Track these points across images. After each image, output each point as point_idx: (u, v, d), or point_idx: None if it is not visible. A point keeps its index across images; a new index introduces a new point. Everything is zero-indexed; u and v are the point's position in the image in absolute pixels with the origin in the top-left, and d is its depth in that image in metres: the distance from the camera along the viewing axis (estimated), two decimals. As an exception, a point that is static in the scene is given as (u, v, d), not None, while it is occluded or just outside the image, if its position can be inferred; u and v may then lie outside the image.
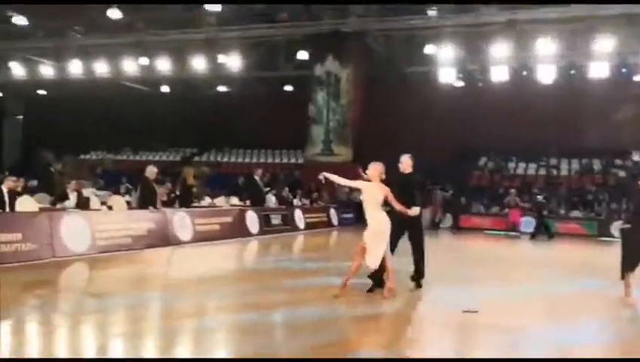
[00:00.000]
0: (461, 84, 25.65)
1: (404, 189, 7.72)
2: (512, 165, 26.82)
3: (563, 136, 25.38)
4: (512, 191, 21.25)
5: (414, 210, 7.58)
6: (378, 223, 7.17)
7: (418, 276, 8.07)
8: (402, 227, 7.69)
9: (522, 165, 26.67)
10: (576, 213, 22.46)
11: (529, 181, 24.69)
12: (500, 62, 23.31)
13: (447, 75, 24.86)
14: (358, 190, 7.58)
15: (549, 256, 14.84)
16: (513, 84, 24.54)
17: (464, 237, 19.15)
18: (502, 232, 20.41)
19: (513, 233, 19.83)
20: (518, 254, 15.46)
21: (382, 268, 7.28)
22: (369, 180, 7.33)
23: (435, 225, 21.85)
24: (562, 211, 22.25)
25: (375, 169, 7.39)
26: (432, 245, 17.27)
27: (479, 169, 27.04)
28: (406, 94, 27.16)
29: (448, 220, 22.47)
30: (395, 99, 27.13)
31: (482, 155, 27.54)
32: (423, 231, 8.20)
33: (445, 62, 24.00)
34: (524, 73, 23.72)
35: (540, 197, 19.98)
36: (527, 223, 20.23)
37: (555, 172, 25.67)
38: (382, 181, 7.33)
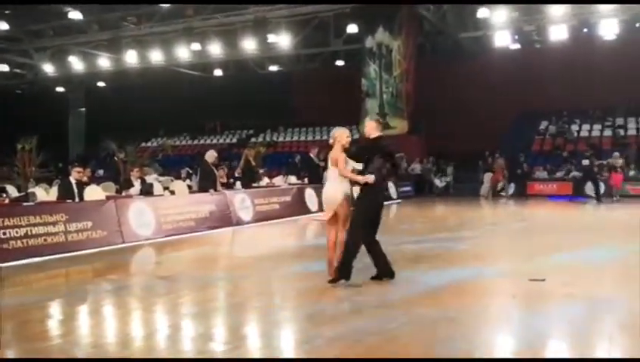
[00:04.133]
0: (517, 46, 24.79)
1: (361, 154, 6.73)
2: (575, 128, 25.86)
3: (629, 93, 24.23)
4: (616, 154, 20.60)
5: (370, 177, 6.33)
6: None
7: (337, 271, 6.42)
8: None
9: (586, 127, 25.67)
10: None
11: (594, 143, 23.75)
12: (558, 20, 22.36)
13: (502, 39, 24.08)
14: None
15: (618, 219, 14.30)
16: (573, 43, 23.54)
17: (528, 205, 18.67)
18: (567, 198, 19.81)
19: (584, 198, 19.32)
20: (585, 219, 14.97)
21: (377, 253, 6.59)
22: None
23: (496, 194, 21.45)
24: (632, 172, 21.28)
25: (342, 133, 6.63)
26: (496, 215, 17.02)
27: (540, 134, 26.23)
28: (460, 61, 26.55)
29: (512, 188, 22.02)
30: (449, 67, 26.58)
31: (543, 119, 26.68)
32: (360, 217, 6.47)
33: (499, 25, 23.23)
34: (585, 30, 22.67)
35: (586, 161, 19.37)
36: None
37: (622, 132, 24.59)
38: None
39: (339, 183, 6.52)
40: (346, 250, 6.38)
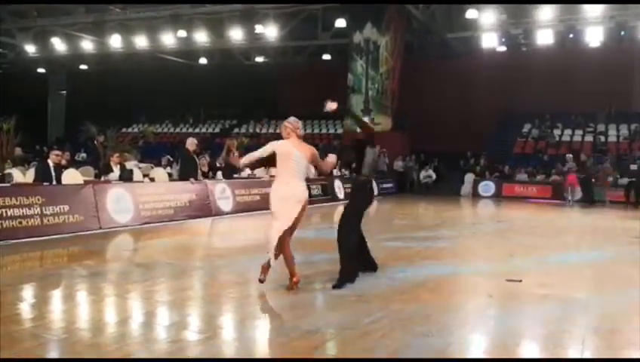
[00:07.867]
0: (504, 49, 24.94)
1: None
2: (557, 132, 26.09)
3: (611, 101, 24.51)
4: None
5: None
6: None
7: (339, 275, 6.15)
8: None
9: (568, 132, 25.92)
10: (624, 180, 21.73)
11: (575, 148, 24.00)
12: (545, 25, 22.53)
13: (490, 41, 24.20)
14: (271, 156, 5.84)
15: (595, 223, 14.46)
16: (559, 48, 23.75)
17: (508, 206, 18.81)
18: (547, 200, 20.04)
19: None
20: (563, 222, 15.12)
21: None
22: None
23: (477, 194, 21.63)
24: (610, 178, 21.54)
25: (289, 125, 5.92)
26: (476, 215, 17.12)
27: (523, 136, 26.42)
28: (447, 61, 26.64)
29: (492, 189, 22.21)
30: (435, 66, 26.64)
31: (526, 122, 26.89)
32: (351, 218, 6.36)
33: (487, 27, 23.33)
34: (571, 36, 22.87)
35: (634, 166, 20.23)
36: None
37: (602, 138, 24.87)
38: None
39: (303, 182, 5.94)
40: (347, 254, 6.17)
